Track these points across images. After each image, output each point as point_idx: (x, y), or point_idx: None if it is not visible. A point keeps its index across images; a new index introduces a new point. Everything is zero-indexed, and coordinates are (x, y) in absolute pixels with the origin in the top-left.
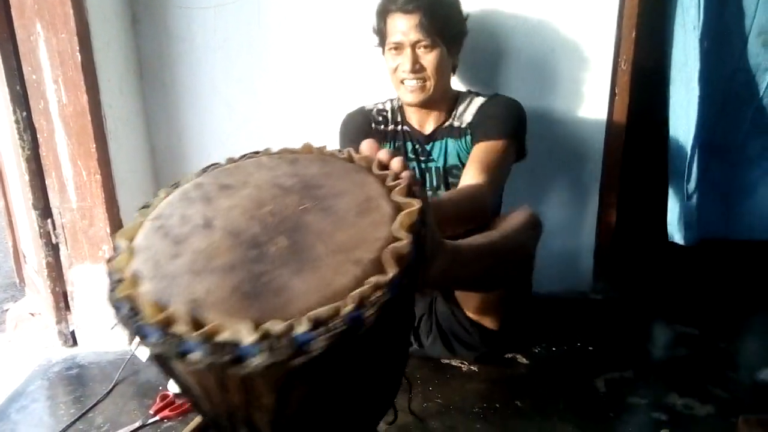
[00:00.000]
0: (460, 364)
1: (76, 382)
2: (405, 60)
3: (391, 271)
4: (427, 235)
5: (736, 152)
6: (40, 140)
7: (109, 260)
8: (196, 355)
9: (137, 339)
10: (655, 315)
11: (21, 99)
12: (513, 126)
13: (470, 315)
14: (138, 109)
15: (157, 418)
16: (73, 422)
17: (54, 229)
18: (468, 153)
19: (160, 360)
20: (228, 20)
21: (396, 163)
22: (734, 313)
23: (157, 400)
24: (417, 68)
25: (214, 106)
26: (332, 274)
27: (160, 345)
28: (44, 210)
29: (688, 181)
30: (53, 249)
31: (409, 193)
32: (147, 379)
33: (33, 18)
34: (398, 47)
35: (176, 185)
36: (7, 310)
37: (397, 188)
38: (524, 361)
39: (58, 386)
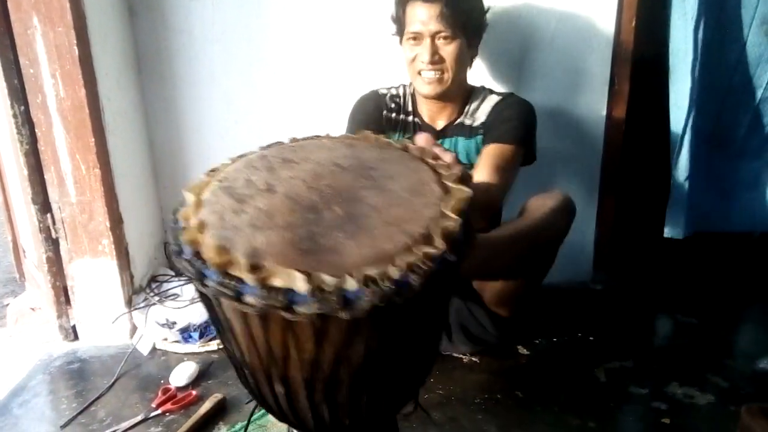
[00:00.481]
0: (461, 356)
1: (78, 376)
2: (424, 50)
3: (440, 245)
4: (471, 222)
5: (738, 144)
6: (39, 134)
7: (175, 210)
8: (250, 298)
9: (197, 281)
10: (655, 305)
11: (18, 93)
12: (525, 132)
13: (488, 304)
14: (136, 103)
15: (159, 411)
16: (75, 416)
17: (54, 223)
18: (477, 152)
19: (210, 304)
20: (227, 12)
21: (449, 156)
22: (733, 303)
23: (159, 393)
24: (436, 59)
25: (213, 99)
26: (384, 241)
27: (218, 286)
28: (43, 204)
29: (690, 173)
30: (53, 243)
31: (460, 182)
32: (149, 373)
33: (30, 11)
34: (417, 37)
35: (242, 156)
36: (7, 305)
37: (449, 175)
38: (525, 351)
39: (60, 380)
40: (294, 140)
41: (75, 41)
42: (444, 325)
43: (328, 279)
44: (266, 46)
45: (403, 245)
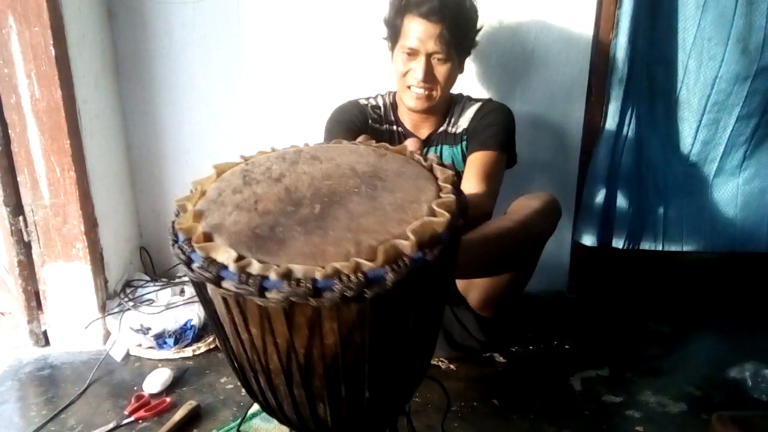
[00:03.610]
0: (438, 363)
1: (48, 382)
2: (418, 68)
3: (444, 217)
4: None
5: (717, 163)
6: (12, 136)
7: (179, 200)
8: (227, 283)
9: (185, 265)
10: (629, 314)
11: None
12: (506, 137)
13: (473, 307)
14: (114, 105)
15: (132, 418)
16: (45, 424)
17: (26, 226)
18: (462, 159)
19: (203, 296)
20: (207, 16)
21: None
22: (706, 313)
23: (132, 400)
24: (429, 78)
25: (193, 103)
26: (329, 244)
27: (200, 270)
28: (16, 207)
29: (661, 191)
30: (25, 247)
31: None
32: (122, 379)
33: (5, 11)
34: (413, 53)
35: (291, 147)
36: None
37: (445, 191)
38: (501, 359)
39: (29, 387)
40: (338, 141)
41: (51, 41)
42: (435, 327)
43: (297, 268)
44: (246, 51)
45: (344, 253)
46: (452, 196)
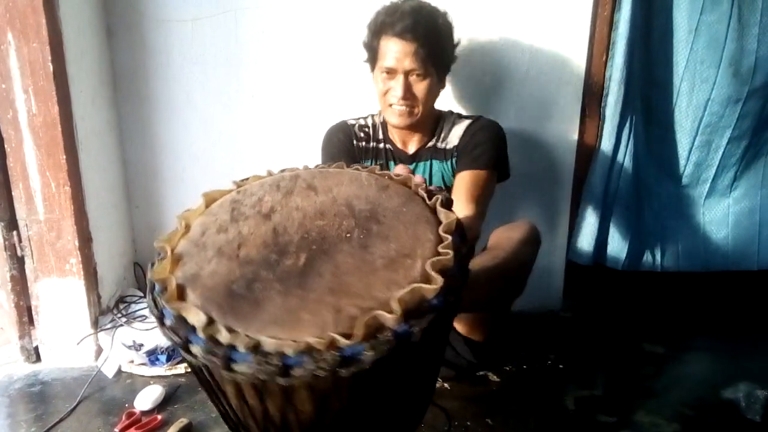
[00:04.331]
0: None
1: (39, 399)
2: (397, 86)
3: (437, 284)
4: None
5: (709, 184)
6: (8, 150)
7: (160, 240)
8: (241, 365)
9: (157, 319)
10: (623, 334)
11: None
12: (497, 154)
13: (461, 331)
14: (111, 122)
15: None
16: None
17: (20, 241)
18: (452, 175)
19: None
20: (205, 34)
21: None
22: (700, 333)
23: (123, 417)
24: (408, 96)
25: (190, 121)
26: (304, 311)
27: (169, 332)
28: (10, 222)
29: (656, 212)
30: (18, 262)
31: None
32: (113, 396)
33: (4, 27)
34: (391, 72)
35: (287, 170)
36: None
37: (444, 244)
38: (495, 378)
39: (19, 404)
40: (339, 166)
41: (50, 57)
42: (427, 385)
43: (267, 342)
44: (244, 69)
45: (320, 323)
46: (450, 254)
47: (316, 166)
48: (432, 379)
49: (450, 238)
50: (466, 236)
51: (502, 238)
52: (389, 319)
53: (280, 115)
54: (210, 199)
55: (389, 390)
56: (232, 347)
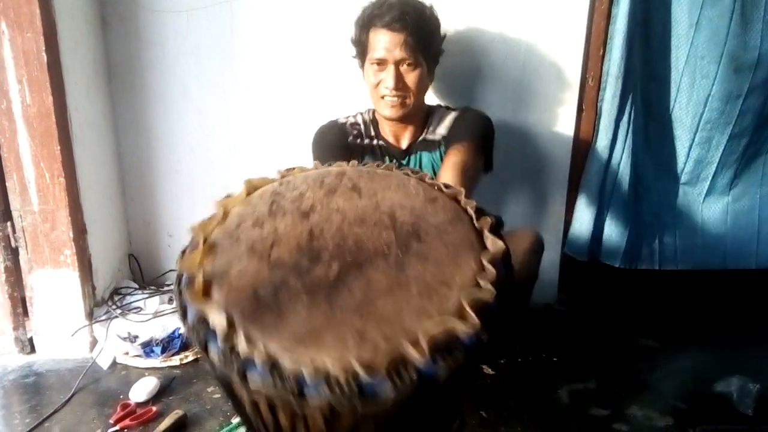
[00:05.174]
0: None
1: (33, 390)
2: (388, 77)
3: (470, 324)
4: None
5: (709, 181)
6: (2, 141)
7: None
8: (257, 379)
9: (181, 317)
10: (617, 328)
11: None
12: (482, 136)
13: None
14: (106, 113)
15: (117, 428)
16: None
17: (14, 232)
18: (441, 161)
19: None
20: (200, 26)
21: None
22: (692, 327)
23: (118, 409)
24: (400, 86)
25: (185, 112)
26: (327, 329)
27: (222, 361)
28: (4, 212)
29: (655, 210)
30: (12, 253)
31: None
32: (108, 388)
33: None
34: (381, 63)
35: (334, 165)
36: None
37: (487, 275)
38: (490, 371)
39: (14, 395)
40: (388, 168)
41: (44, 48)
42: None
43: (284, 359)
44: (239, 61)
45: (341, 346)
46: (491, 289)
47: (365, 164)
48: (452, 416)
49: (493, 270)
50: (511, 268)
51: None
52: (415, 356)
53: (276, 107)
54: (251, 187)
55: (405, 424)
56: (249, 360)
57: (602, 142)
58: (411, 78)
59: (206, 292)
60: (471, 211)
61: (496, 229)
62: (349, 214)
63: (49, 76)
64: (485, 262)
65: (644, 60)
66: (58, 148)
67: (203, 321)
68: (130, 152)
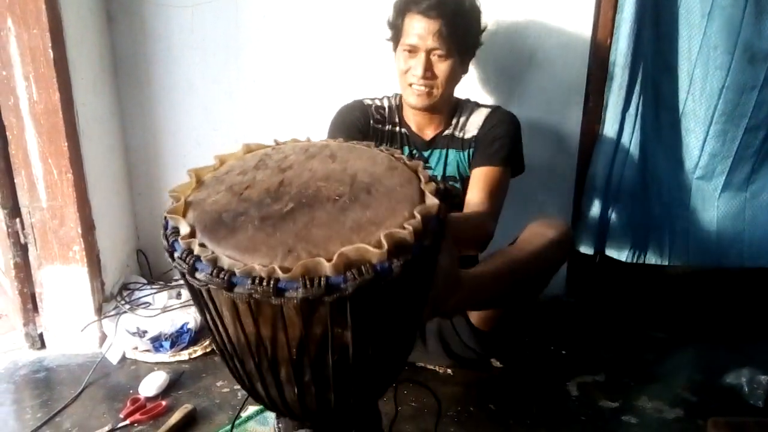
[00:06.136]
0: (435, 368)
1: (44, 385)
2: (418, 65)
3: (381, 250)
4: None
5: (724, 176)
6: (9, 138)
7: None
8: (201, 275)
9: (168, 256)
10: (626, 320)
11: None
12: (514, 149)
13: (473, 320)
14: (112, 108)
15: (127, 422)
16: (40, 427)
17: (23, 228)
18: (468, 165)
19: (194, 289)
20: (206, 20)
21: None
22: (702, 319)
23: (128, 403)
24: (428, 75)
25: (191, 107)
26: (263, 244)
27: (178, 258)
28: (13, 209)
29: (666, 204)
30: (22, 249)
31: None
32: (117, 382)
33: (4, 13)
34: (413, 50)
35: (327, 141)
36: None
37: (411, 221)
38: (498, 364)
39: (25, 390)
40: (368, 145)
41: (50, 44)
42: (423, 304)
43: (224, 259)
44: (245, 54)
45: (271, 255)
46: (410, 231)
47: (352, 142)
48: (407, 331)
49: (419, 218)
50: (444, 224)
51: (535, 234)
52: (326, 267)
53: (281, 101)
54: (248, 150)
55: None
56: (197, 258)
57: (609, 133)
58: (441, 68)
59: (184, 213)
60: (422, 178)
61: (442, 195)
62: (319, 173)
63: (56, 72)
64: (416, 212)
65: (655, 50)
66: (66, 144)
67: (175, 230)
68: (136, 146)
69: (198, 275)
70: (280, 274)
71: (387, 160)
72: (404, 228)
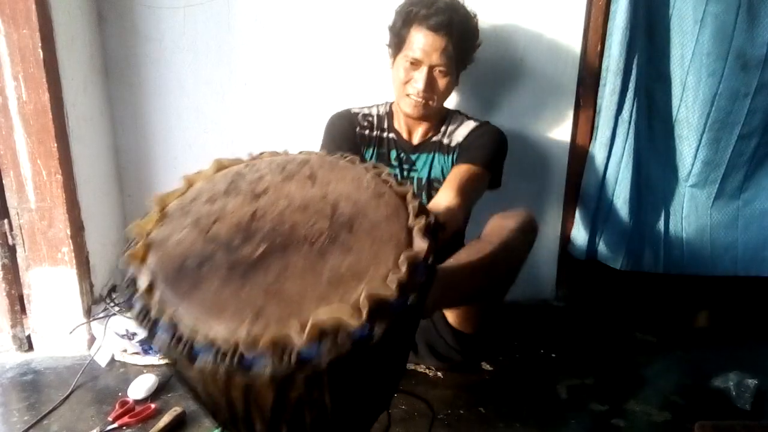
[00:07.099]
0: (426, 371)
1: (31, 388)
2: (420, 78)
3: (358, 320)
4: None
5: (717, 184)
6: None
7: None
8: (158, 340)
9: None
10: (615, 323)
11: None
12: (494, 158)
13: (452, 323)
14: (103, 109)
15: (115, 425)
16: (27, 430)
17: (11, 230)
18: (451, 169)
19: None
20: (197, 21)
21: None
22: (690, 323)
23: (116, 406)
24: (428, 89)
25: (182, 109)
26: (229, 304)
27: (136, 319)
28: (1, 210)
29: (660, 212)
30: (10, 250)
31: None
32: (106, 385)
33: None
34: (416, 63)
35: (305, 152)
36: None
37: (397, 272)
38: (488, 367)
39: (12, 393)
40: (352, 161)
41: (40, 44)
42: (406, 355)
43: (183, 321)
44: (236, 57)
45: (237, 322)
46: (392, 288)
47: (333, 155)
48: (367, 403)
49: (405, 270)
50: (434, 270)
51: (497, 226)
52: (297, 339)
53: (273, 104)
54: (220, 166)
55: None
56: (157, 321)
57: (601, 140)
58: (441, 83)
59: (144, 256)
60: (411, 210)
61: (430, 230)
62: (296, 201)
63: (46, 73)
64: (400, 261)
65: (647, 58)
66: (55, 144)
67: (133, 281)
68: (127, 148)
69: (157, 340)
70: (244, 348)
71: (373, 183)
72: (387, 284)
